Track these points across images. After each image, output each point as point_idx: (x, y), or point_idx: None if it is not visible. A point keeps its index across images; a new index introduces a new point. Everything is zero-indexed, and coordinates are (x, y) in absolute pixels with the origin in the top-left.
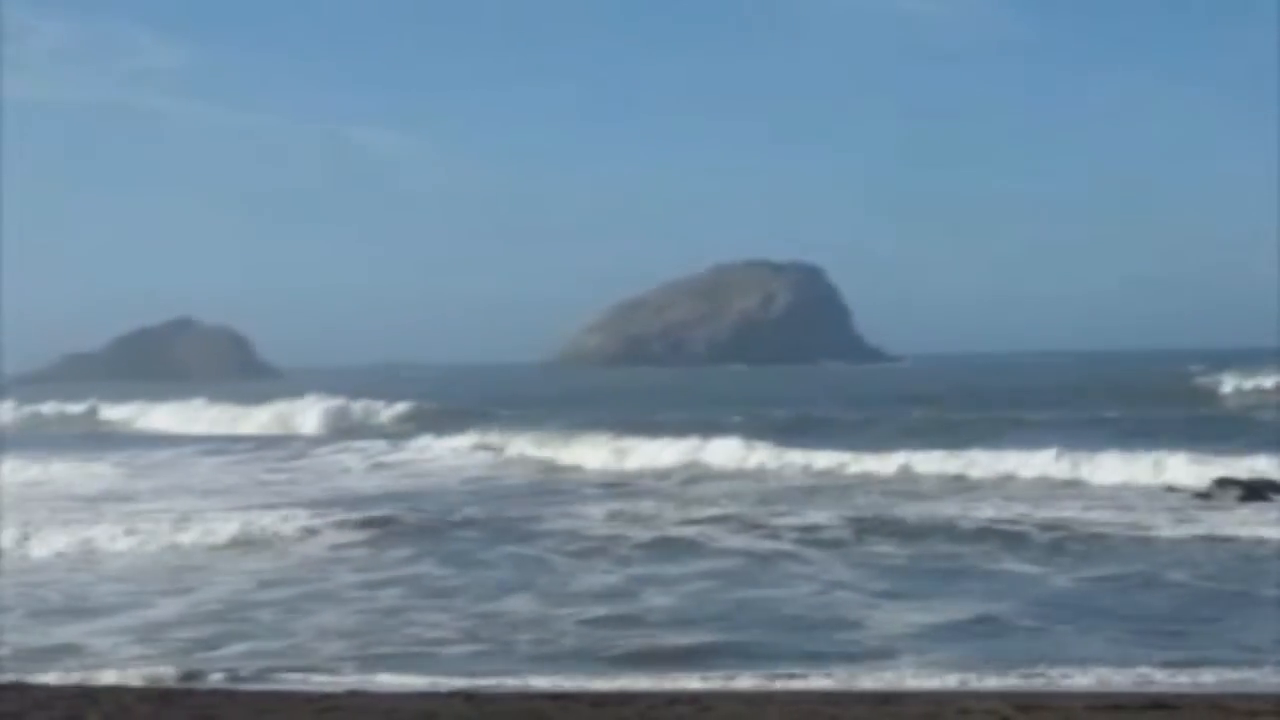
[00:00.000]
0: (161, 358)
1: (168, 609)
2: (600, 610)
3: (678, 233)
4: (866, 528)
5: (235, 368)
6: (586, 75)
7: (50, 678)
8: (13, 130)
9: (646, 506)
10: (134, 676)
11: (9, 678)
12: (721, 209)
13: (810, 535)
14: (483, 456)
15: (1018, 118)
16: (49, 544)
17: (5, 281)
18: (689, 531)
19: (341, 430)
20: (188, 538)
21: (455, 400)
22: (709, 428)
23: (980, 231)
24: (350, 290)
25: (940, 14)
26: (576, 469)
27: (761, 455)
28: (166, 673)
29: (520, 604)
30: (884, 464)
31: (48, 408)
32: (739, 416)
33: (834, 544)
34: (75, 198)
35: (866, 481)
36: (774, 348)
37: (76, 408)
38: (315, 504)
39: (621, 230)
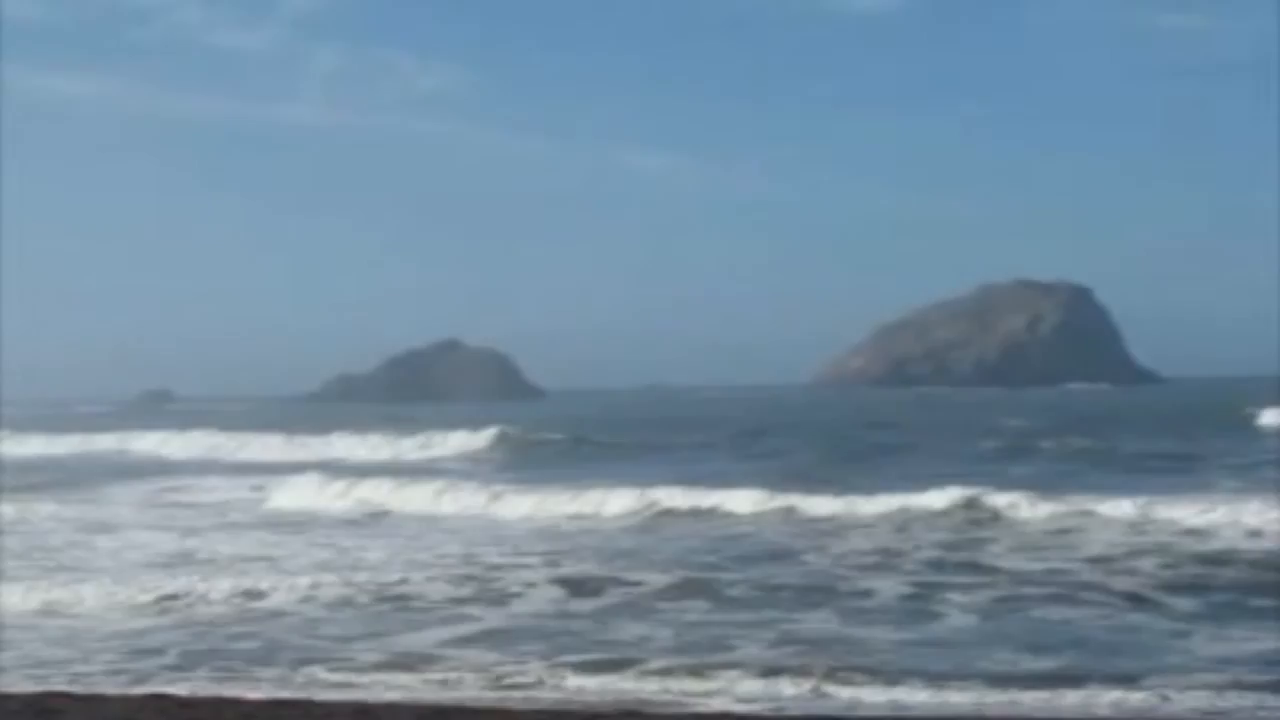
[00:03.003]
0: (428, 379)
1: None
2: None
3: (939, 254)
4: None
5: (500, 389)
6: (863, 97)
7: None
8: (288, 156)
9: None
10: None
11: (292, 695)
12: (986, 229)
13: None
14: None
15: None
16: None
17: (282, 305)
18: None
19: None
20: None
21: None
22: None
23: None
24: (615, 312)
25: (1204, 29)
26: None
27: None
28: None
29: None
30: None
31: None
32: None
33: None
34: (347, 222)
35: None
36: (1041, 369)
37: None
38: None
39: (884, 251)
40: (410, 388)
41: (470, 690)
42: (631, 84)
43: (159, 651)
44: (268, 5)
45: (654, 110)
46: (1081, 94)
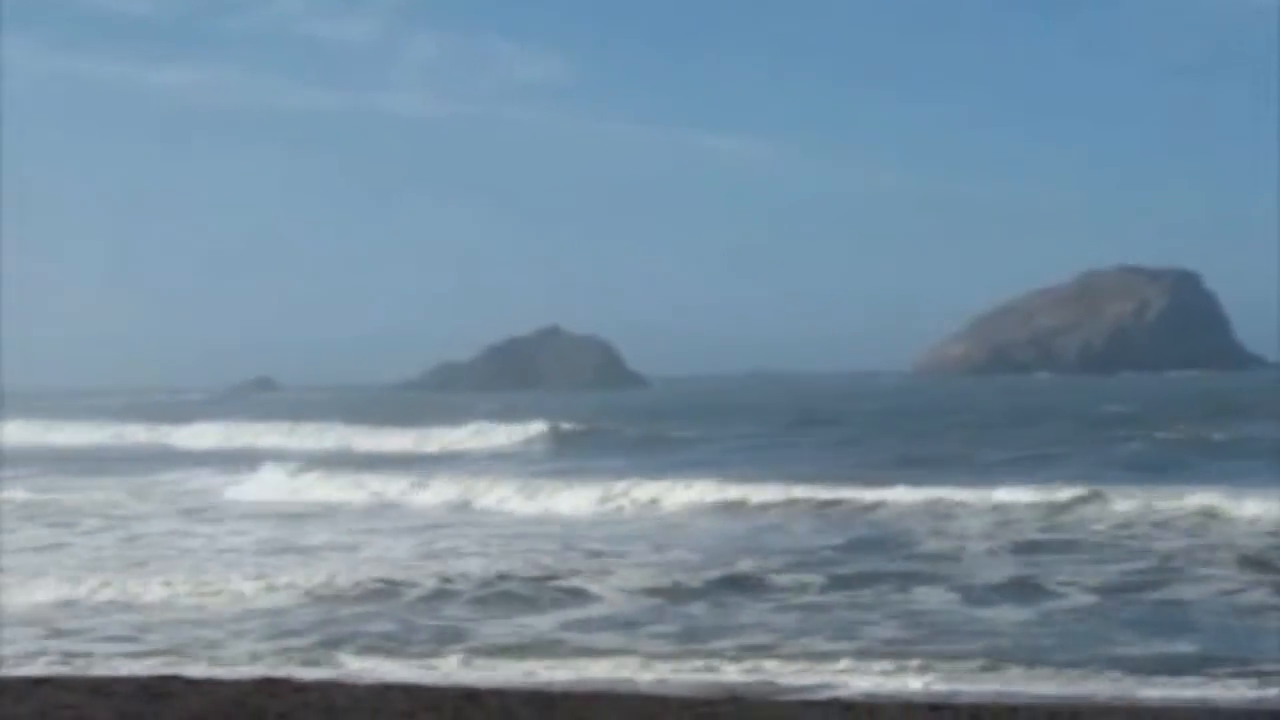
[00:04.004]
0: (529, 366)
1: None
2: None
3: (1042, 239)
4: None
5: (602, 377)
6: (952, 79)
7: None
8: (387, 145)
9: None
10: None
11: (401, 677)
12: (1090, 215)
13: None
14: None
15: None
16: None
17: (383, 292)
18: None
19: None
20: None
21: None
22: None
23: None
24: (714, 299)
25: None
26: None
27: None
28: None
29: None
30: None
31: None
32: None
33: None
34: (447, 210)
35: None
36: (1148, 355)
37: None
38: None
39: (983, 236)
40: (511, 375)
41: (588, 674)
42: (727, 71)
43: (297, 632)
44: None
45: (751, 98)
46: (1193, 75)
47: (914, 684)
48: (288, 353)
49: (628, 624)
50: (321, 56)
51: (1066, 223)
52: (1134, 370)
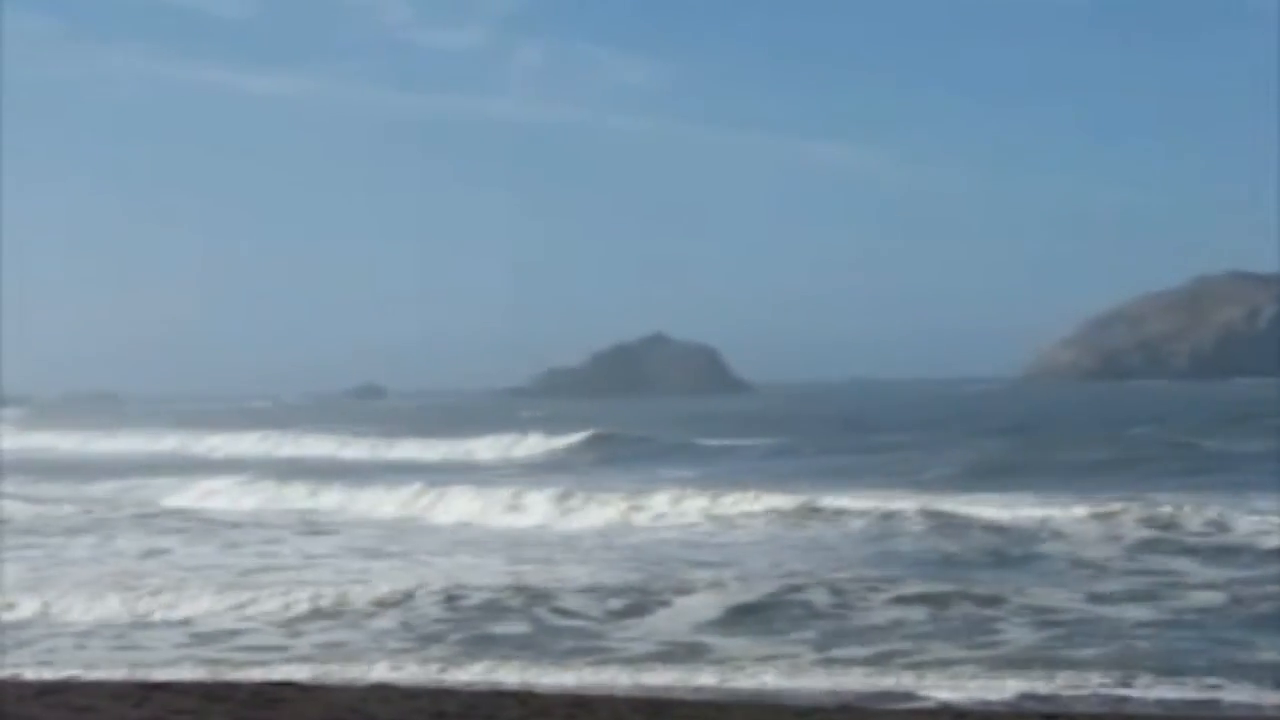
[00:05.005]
0: (636, 373)
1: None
2: None
3: (1153, 244)
4: None
5: (707, 383)
6: (1062, 86)
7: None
8: (493, 152)
9: None
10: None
11: (514, 683)
12: (1201, 220)
13: None
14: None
15: None
16: None
17: (489, 298)
18: None
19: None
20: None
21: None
22: None
23: None
24: (816, 306)
25: None
26: None
27: None
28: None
29: None
30: None
31: None
32: None
33: None
34: (553, 218)
35: None
36: (1258, 361)
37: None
38: None
39: (1093, 241)
40: (618, 381)
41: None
42: (826, 76)
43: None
44: (473, 3)
45: (854, 103)
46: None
47: (1029, 690)
48: (396, 359)
49: (743, 629)
50: (426, 64)
51: (1177, 228)
52: (1243, 376)
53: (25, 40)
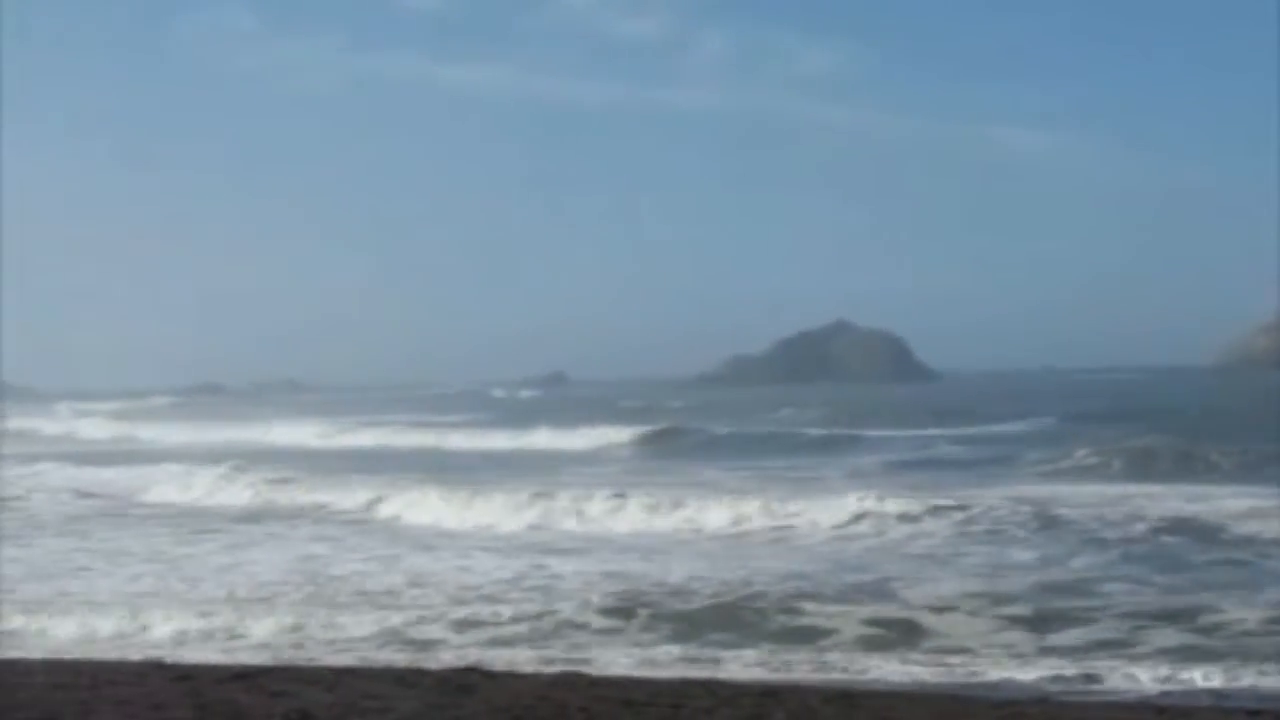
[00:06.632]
0: (819, 360)
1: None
2: None
3: None
4: None
5: (891, 370)
6: (1261, 69)
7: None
8: (678, 140)
9: None
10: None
11: (702, 674)
12: None
13: None
14: None
15: None
16: None
17: (677, 285)
18: None
19: None
20: None
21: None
22: None
23: None
24: (1003, 293)
25: None
26: None
27: None
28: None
29: None
30: None
31: None
32: None
33: None
34: (737, 203)
35: None
36: None
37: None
38: None
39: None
40: (802, 369)
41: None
42: (1012, 62)
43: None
44: None
45: (1043, 89)
46: None
47: (1235, 686)
48: (583, 346)
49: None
50: (611, 52)
51: None
52: None
53: (219, 34)
